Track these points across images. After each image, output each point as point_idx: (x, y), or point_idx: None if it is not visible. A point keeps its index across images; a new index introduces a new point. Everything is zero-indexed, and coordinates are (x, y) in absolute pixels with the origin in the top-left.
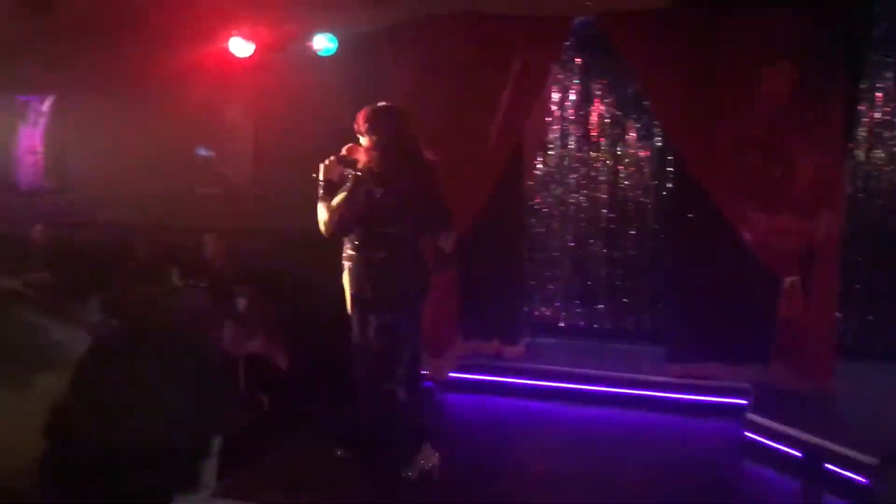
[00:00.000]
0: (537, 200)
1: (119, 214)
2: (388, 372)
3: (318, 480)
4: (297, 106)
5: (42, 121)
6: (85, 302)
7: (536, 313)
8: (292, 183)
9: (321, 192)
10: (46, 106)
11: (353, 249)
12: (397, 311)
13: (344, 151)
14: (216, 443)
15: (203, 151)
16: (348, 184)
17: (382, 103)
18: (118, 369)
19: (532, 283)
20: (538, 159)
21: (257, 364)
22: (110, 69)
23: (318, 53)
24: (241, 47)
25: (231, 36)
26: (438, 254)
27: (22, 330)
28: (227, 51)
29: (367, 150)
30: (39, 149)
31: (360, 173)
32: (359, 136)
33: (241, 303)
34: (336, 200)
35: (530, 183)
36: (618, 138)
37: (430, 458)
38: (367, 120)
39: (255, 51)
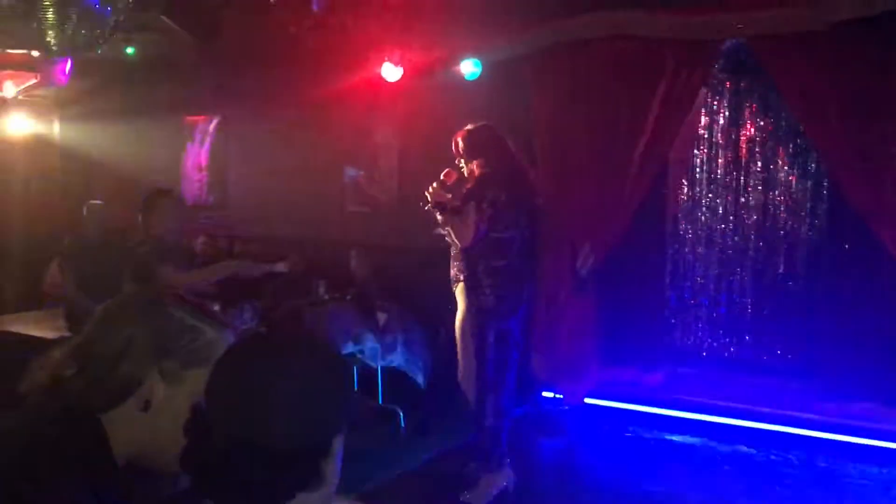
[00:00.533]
0: (682, 226)
1: (273, 229)
2: (502, 383)
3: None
4: (441, 129)
5: (208, 140)
6: (239, 310)
7: (678, 342)
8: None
9: (439, 214)
10: (212, 126)
11: (472, 256)
12: (514, 317)
13: (443, 177)
14: (337, 443)
15: (353, 172)
16: (474, 191)
17: (482, 124)
18: (249, 370)
19: (674, 310)
20: (684, 184)
21: (395, 378)
22: (270, 92)
23: (465, 77)
24: (391, 72)
25: (382, 61)
26: (573, 276)
27: (179, 329)
28: (378, 76)
29: (478, 166)
30: (204, 166)
31: (484, 181)
32: (458, 156)
33: (382, 318)
34: (465, 214)
35: (676, 208)
36: (768, 163)
37: (496, 483)
38: (469, 142)
39: (403, 75)
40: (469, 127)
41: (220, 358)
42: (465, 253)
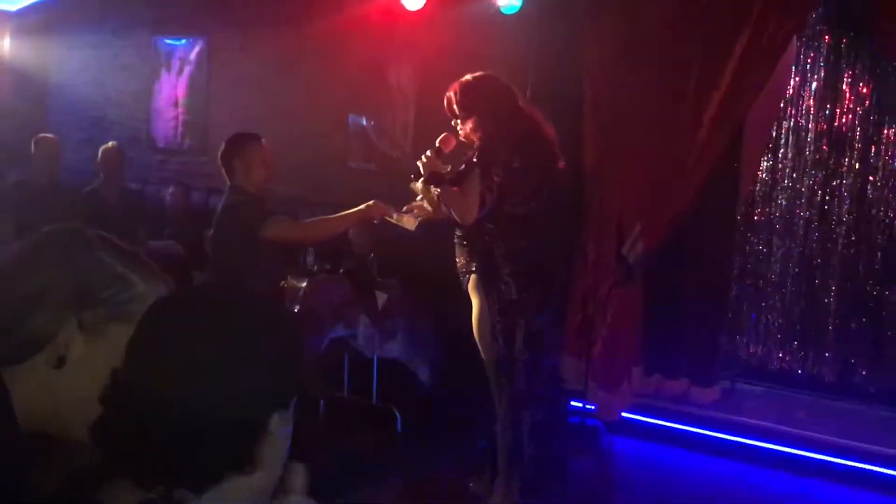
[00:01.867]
0: (756, 211)
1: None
2: (535, 390)
3: None
4: (471, 71)
5: (187, 69)
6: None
7: (741, 351)
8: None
9: (433, 186)
10: (194, 53)
11: (486, 236)
12: (544, 313)
13: (438, 144)
14: (278, 421)
15: (359, 120)
16: (477, 158)
17: (477, 75)
18: (174, 329)
19: (739, 312)
20: (762, 159)
21: (394, 372)
22: (267, 14)
23: (501, 10)
24: None
25: None
26: (619, 265)
27: (106, 277)
28: (396, 3)
29: (475, 129)
30: (181, 101)
31: (492, 143)
32: (453, 118)
33: (382, 298)
34: (465, 183)
35: (750, 188)
36: (870, 140)
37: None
38: (466, 95)
39: (427, 4)
40: (466, 78)
41: (144, 313)
42: (475, 235)
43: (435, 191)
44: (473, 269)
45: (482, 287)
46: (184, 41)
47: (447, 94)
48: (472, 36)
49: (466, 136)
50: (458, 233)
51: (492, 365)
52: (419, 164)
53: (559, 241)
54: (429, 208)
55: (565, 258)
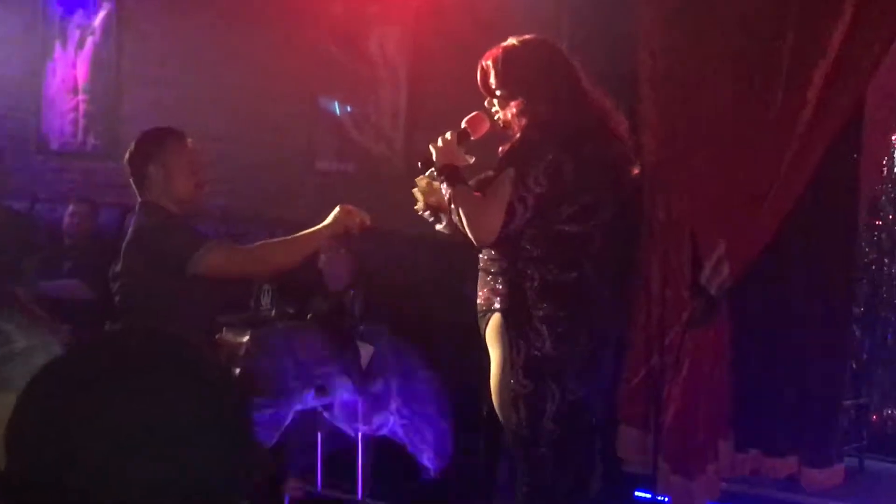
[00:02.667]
0: (887, 218)
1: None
2: (580, 484)
3: None
4: (484, 33)
5: (89, 43)
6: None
7: (871, 417)
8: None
9: (447, 185)
10: (98, 21)
11: (519, 262)
12: (589, 379)
13: (465, 125)
14: None
15: (331, 105)
16: (514, 153)
17: (524, 39)
18: (68, 404)
19: (867, 364)
20: (893, 149)
21: (385, 454)
22: None
23: None
24: None
25: None
26: (696, 297)
27: None
28: None
29: (521, 109)
30: (82, 87)
31: (534, 135)
32: (488, 96)
33: (367, 352)
34: (492, 187)
35: (876, 190)
36: None
37: None
38: (506, 71)
39: None
40: (510, 42)
41: (32, 377)
42: (507, 259)
43: (446, 190)
44: (496, 306)
45: (505, 333)
46: (85, 5)
47: (482, 62)
48: None
49: (506, 122)
50: (482, 256)
51: (514, 442)
52: (431, 148)
53: (621, 273)
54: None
55: (624, 296)
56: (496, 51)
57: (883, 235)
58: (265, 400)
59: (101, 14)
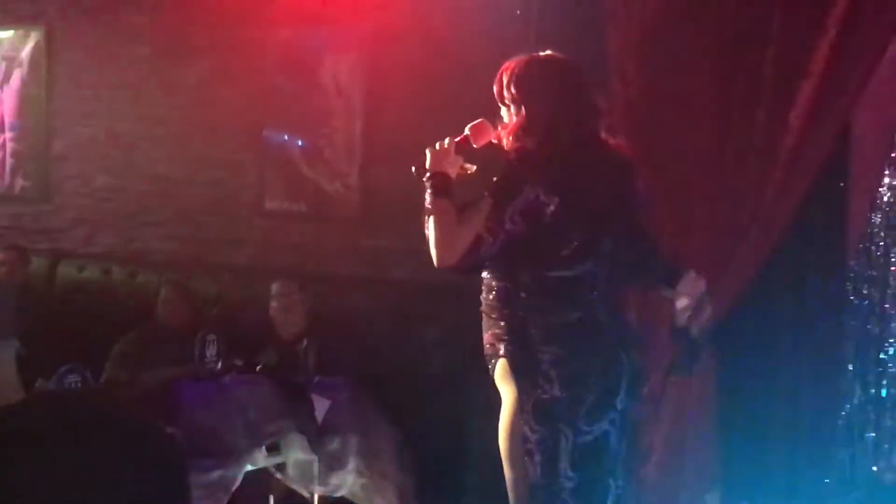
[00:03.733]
0: (877, 253)
1: (130, 239)
2: None
3: None
4: (444, 61)
5: (16, 77)
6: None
7: (874, 468)
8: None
9: (430, 193)
10: (26, 52)
11: (519, 310)
12: (603, 419)
13: (468, 131)
14: None
15: (280, 139)
16: (499, 181)
17: (549, 54)
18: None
19: (861, 409)
20: (885, 175)
21: None
22: None
23: None
24: None
25: None
26: (677, 341)
27: None
28: None
29: (515, 131)
30: (8, 125)
31: (516, 166)
32: (502, 106)
33: (322, 406)
34: (469, 210)
35: (866, 219)
36: None
37: None
38: (518, 81)
39: None
40: (531, 55)
41: None
42: (500, 304)
43: (428, 200)
44: (501, 352)
45: (513, 379)
46: (11, 33)
47: (500, 74)
48: (441, 8)
49: (514, 131)
50: (484, 297)
51: (521, 492)
52: (428, 152)
53: (621, 309)
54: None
55: (631, 333)
56: (513, 64)
57: (873, 268)
58: (211, 461)
59: (29, 45)
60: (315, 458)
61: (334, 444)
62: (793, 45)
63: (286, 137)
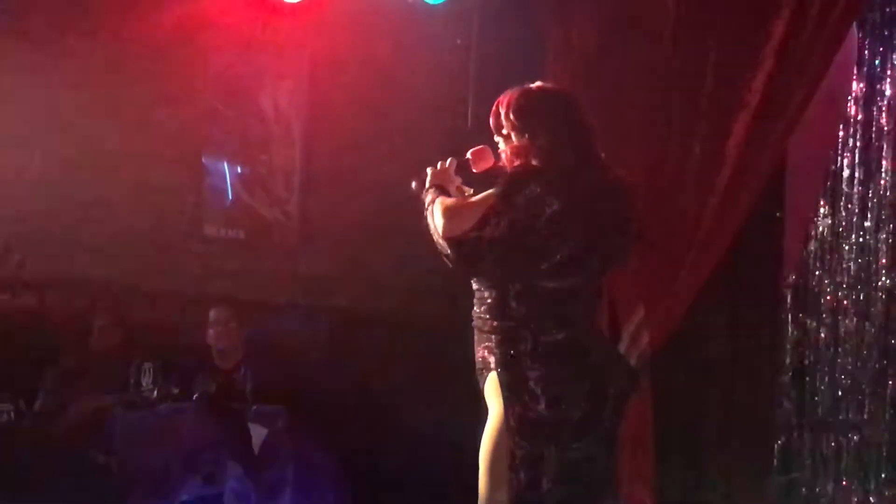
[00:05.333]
0: (813, 279)
1: (64, 265)
2: None
3: None
4: (384, 89)
5: None
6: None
7: (802, 493)
8: (370, 223)
9: (430, 195)
10: None
11: (510, 321)
12: (587, 437)
13: (470, 156)
14: None
15: (218, 166)
16: (507, 177)
17: (542, 84)
18: None
19: (795, 437)
20: (820, 204)
21: None
22: (65, 12)
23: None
24: None
25: None
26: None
27: None
28: None
29: (517, 154)
30: None
31: (524, 168)
32: (497, 136)
33: (260, 435)
34: (478, 196)
35: (801, 249)
36: None
37: None
38: (518, 110)
39: None
40: (527, 86)
41: None
42: (491, 317)
43: (429, 202)
44: (493, 365)
45: (500, 395)
46: None
47: (497, 105)
48: (382, 37)
49: (515, 154)
50: (476, 310)
51: None
52: (428, 170)
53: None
54: None
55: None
56: (513, 93)
57: (808, 297)
58: (146, 491)
59: None
60: (252, 487)
61: (271, 474)
62: (729, 76)
63: (225, 163)
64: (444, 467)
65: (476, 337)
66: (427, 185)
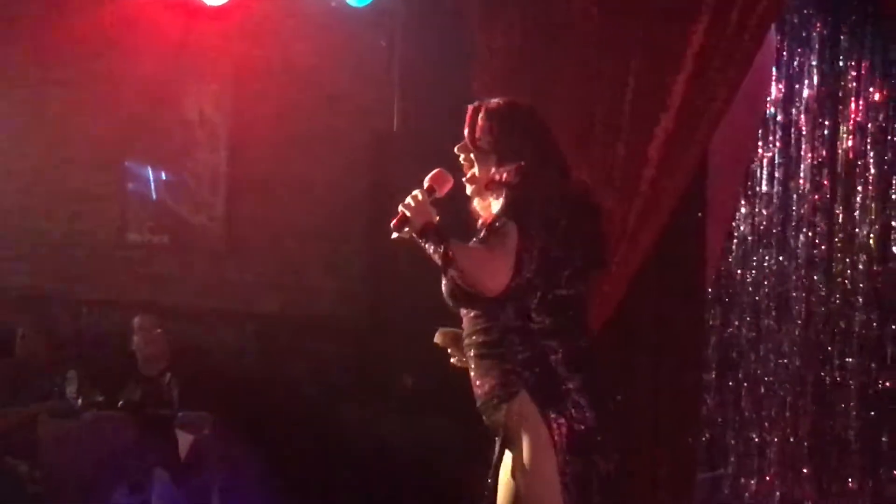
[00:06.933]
0: (734, 280)
1: None
2: None
3: None
4: (309, 93)
5: None
6: None
7: (727, 485)
8: (298, 227)
9: (433, 243)
10: None
11: (535, 336)
12: (617, 443)
13: (429, 183)
14: None
15: (142, 171)
16: (514, 206)
17: (510, 100)
18: None
19: (720, 427)
20: (740, 205)
21: None
22: None
23: (350, 2)
24: None
25: None
26: None
27: None
28: None
29: (495, 180)
30: None
31: (523, 191)
32: (463, 146)
33: (186, 441)
34: (491, 238)
35: (721, 251)
36: (890, 167)
37: None
38: (501, 127)
39: None
40: (488, 101)
41: None
42: (511, 336)
43: (435, 249)
44: (516, 389)
45: (539, 414)
46: None
47: (473, 113)
48: (306, 40)
49: (486, 179)
50: (474, 339)
51: None
52: (402, 208)
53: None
54: None
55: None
56: (480, 106)
57: (726, 299)
58: (72, 500)
59: None
60: (179, 493)
61: (199, 480)
62: (651, 80)
63: (149, 169)
64: (373, 468)
65: (478, 368)
66: (419, 229)
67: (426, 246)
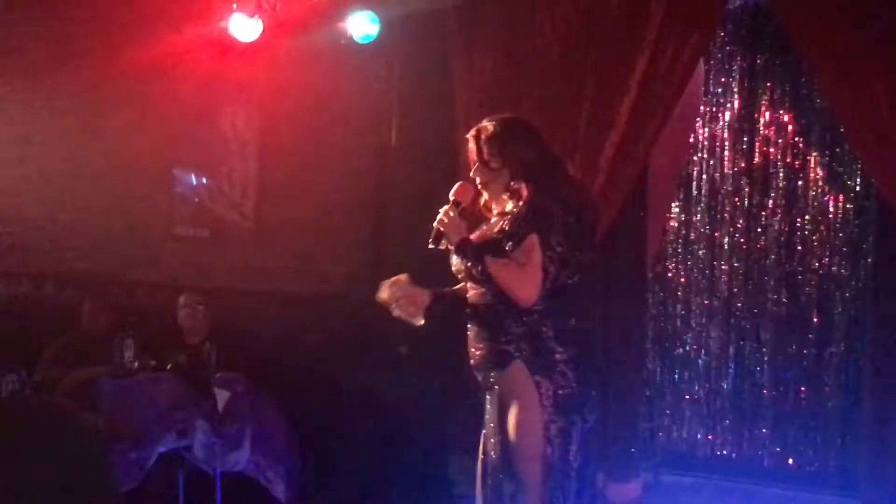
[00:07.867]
0: (670, 267)
1: (59, 260)
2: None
3: None
4: (323, 113)
5: None
6: None
7: (662, 437)
8: (313, 223)
9: (472, 259)
10: None
11: (535, 314)
12: (595, 410)
13: (454, 197)
14: None
15: (187, 177)
16: (530, 219)
17: (505, 116)
18: None
19: (658, 392)
20: (674, 203)
21: (241, 489)
22: (57, 51)
23: (356, 39)
24: (244, 29)
25: (231, 12)
26: None
27: None
28: (224, 32)
29: (514, 189)
30: None
31: (537, 201)
32: (478, 168)
33: (223, 398)
34: (516, 253)
35: (659, 242)
36: (795, 176)
37: None
38: (502, 139)
39: (263, 34)
40: (497, 118)
41: None
42: (518, 314)
43: (474, 264)
44: (514, 355)
45: (530, 378)
46: None
47: (473, 134)
48: (320, 70)
49: (492, 188)
50: (478, 308)
51: (537, 476)
52: (437, 226)
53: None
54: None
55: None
56: (486, 123)
57: (665, 281)
58: (129, 444)
59: None
60: (217, 440)
61: (233, 429)
62: (602, 102)
63: (192, 175)
64: (373, 417)
65: (479, 333)
66: (456, 245)
67: (463, 260)
